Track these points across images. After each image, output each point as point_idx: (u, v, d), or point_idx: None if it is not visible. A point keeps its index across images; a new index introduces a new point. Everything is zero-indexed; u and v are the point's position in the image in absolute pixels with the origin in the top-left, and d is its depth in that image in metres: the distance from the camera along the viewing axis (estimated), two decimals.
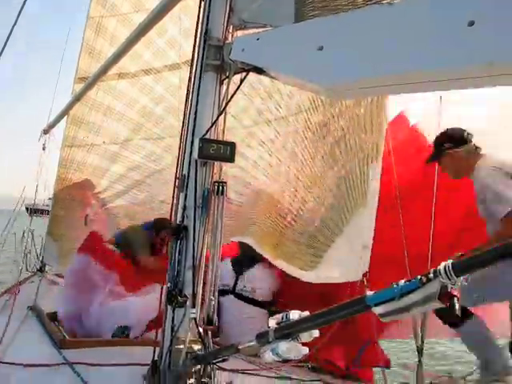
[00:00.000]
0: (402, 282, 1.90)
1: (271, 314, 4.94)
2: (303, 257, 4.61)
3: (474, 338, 3.93)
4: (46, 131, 9.56)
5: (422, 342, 3.50)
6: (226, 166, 3.45)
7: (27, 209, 9.90)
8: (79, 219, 8.42)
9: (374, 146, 4.12)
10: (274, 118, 5.17)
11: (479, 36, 1.75)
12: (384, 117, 4.13)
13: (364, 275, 3.94)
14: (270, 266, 5.26)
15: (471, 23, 1.76)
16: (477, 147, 4.01)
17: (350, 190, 4.23)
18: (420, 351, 3.47)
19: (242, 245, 5.46)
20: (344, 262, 4.19)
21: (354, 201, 4.20)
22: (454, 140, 4.05)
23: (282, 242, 4.91)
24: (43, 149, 9.52)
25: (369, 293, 2.01)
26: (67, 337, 4.32)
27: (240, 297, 5.22)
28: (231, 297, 5.23)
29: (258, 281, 5.20)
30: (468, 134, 4.05)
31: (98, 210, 8.45)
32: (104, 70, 5.90)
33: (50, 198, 9.42)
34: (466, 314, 3.84)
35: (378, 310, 1.97)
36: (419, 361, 3.43)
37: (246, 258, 5.38)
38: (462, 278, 1.76)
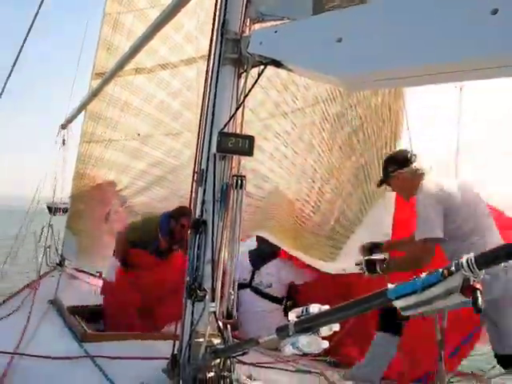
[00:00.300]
0: (423, 274, 1.88)
1: (286, 309, 4.99)
2: (322, 248, 4.60)
3: (378, 350, 3.94)
4: (63, 126, 9.60)
5: (443, 336, 3.45)
6: (245, 160, 3.44)
7: (49, 208, 9.92)
8: (99, 216, 8.48)
9: (392, 135, 4.11)
10: (291, 110, 5.16)
11: (503, 24, 1.72)
12: (401, 105, 4.10)
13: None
14: (288, 261, 5.26)
15: (495, 11, 1.73)
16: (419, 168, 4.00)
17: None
18: (441, 346, 3.43)
19: (259, 239, 5.47)
20: None
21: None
22: (397, 162, 4.05)
23: (301, 234, 4.90)
24: (63, 143, 9.56)
25: (390, 286, 2.00)
26: (88, 330, 4.35)
27: (256, 291, 5.23)
28: (248, 291, 5.25)
29: (274, 276, 5.21)
30: (412, 154, 4.05)
31: (119, 208, 8.48)
32: (120, 65, 5.90)
33: (70, 197, 9.46)
34: (400, 330, 3.89)
35: (399, 303, 1.95)
36: (440, 356, 3.38)
37: (263, 253, 5.38)
38: (483, 271, 1.74)
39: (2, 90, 4.63)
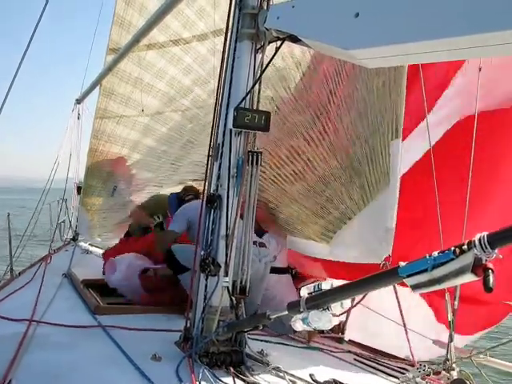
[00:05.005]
0: (435, 253, 1.87)
1: (294, 277, 4.95)
2: (312, 225, 4.48)
3: None
4: (78, 101, 9.64)
5: (454, 316, 3.44)
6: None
7: (79, 188, 9.94)
8: (108, 189, 8.63)
9: (394, 122, 3.91)
10: (294, 86, 5.01)
11: None
12: (402, 88, 3.89)
13: (387, 259, 3.80)
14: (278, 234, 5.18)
15: None
16: None
17: (372, 167, 4.04)
18: (452, 326, 3.43)
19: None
20: (364, 243, 4.04)
21: (375, 179, 3.93)
22: None
23: (286, 203, 4.80)
24: (78, 118, 9.62)
25: (401, 264, 1.99)
26: (101, 303, 4.40)
27: None
28: None
29: (274, 248, 5.12)
30: None
31: (128, 183, 8.57)
32: (136, 40, 5.89)
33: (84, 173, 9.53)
34: None
35: (410, 281, 1.95)
36: (450, 334, 3.39)
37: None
38: (497, 250, 1.72)
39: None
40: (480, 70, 3.85)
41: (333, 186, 4.35)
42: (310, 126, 4.65)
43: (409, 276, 1.94)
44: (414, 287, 1.94)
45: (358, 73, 4.17)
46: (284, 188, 4.79)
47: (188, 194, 5.56)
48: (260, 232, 5.15)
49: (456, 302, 3.33)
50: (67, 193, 9.64)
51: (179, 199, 5.68)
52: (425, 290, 1.92)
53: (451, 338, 3.30)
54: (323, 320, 2.41)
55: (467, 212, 3.67)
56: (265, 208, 5.06)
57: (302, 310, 2.47)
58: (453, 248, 1.80)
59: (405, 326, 3.97)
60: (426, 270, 1.87)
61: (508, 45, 1.79)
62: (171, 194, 6.07)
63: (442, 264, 1.82)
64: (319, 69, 4.62)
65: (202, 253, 3.24)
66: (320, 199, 4.42)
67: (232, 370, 2.99)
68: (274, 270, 4.95)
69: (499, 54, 1.97)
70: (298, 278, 4.96)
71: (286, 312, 2.59)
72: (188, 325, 3.31)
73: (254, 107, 3.31)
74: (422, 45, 2.00)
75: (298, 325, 2.51)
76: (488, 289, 1.68)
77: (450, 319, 3.35)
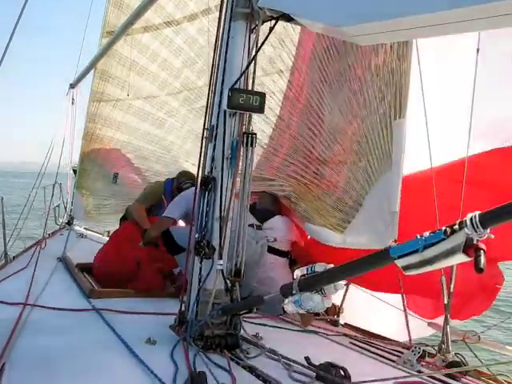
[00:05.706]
0: (426, 233, 1.84)
1: (291, 263, 4.93)
2: (330, 218, 4.44)
3: None
4: (72, 85, 9.58)
5: (450, 299, 3.42)
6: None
7: (75, 171, 9.91)
8: (105, 175, 8.64)
9: (397, 102, 3.78)
10: (286, 68, 4.96)
11: None
12: (408, 67, 3.75)
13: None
14: (289, 219, 5.16)
15: None
16: None
17: (373, 149, 3.93)
18: (447, 309, 3.41)
19: (260, 195, 5.34)
20: (372, 228, 3.94)
21: (377, 161, 3.89)
22: None
23: (308, 197, 4.75)
24: (72, 103, 9.57)
25: (393, 244, 1.96)
26: (96, 287, 4.38)
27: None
28: None
29: (278, 231, 5.12)
30: None
31: (130, 170, 8.57)
32: (130, 22, 5.81)
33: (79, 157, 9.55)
34: None
35: (401, 262, 1.91)
36: (446, 318, 3.36)
37: (264, 209, 5.27)
38: (488, 229, 1.68)
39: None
40: (478, 51, 3.75)
41: (343, 174, 4.27)
42: (308, 111, 4.59)
43: (400, 257, 1.91)
44: (405, 268, 1.90)
45: (350, 49, 4.09)
46: (310, 187, 4.75)
47: (186, 181, 5.56)
48: (273, 212, 5.15)
49: (452, 285, 3.30)
50: (62, 177, 9.59)
51: (177, 187, 5.68)
52: (416, 271, 1.88)
53: (447, 322, 3.28)
54: (315, 302, 2.38)
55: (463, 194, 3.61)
56: (287, 201, 5.04)
57: (294, 291, 2.45)
58: (444, 228, 1.76)
59: (405, 309, 3.96)
60: (417, 251, 1.84)
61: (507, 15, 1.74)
62: (167, 179, 6.08)
63: (433, 244, 1.79)
64: (306, 45, 4.55)
65: (197, 235, 3.21)
66: (338, 192, 4.34)
67: (227, 353, 2.97)
68: (274, 251, 4.94)
69: (496, 27, 1.91)
70: (295, 264, 4.94)
71: (280, 294, 2.57)
72: (183, 308, 3.29)
73: (249, 88, 3.26)
74: (415, 20, 1.95)
75: (291, 307, 2.48)
76: (479, 269, 1.65)
77: (445, 302, 3.33)
